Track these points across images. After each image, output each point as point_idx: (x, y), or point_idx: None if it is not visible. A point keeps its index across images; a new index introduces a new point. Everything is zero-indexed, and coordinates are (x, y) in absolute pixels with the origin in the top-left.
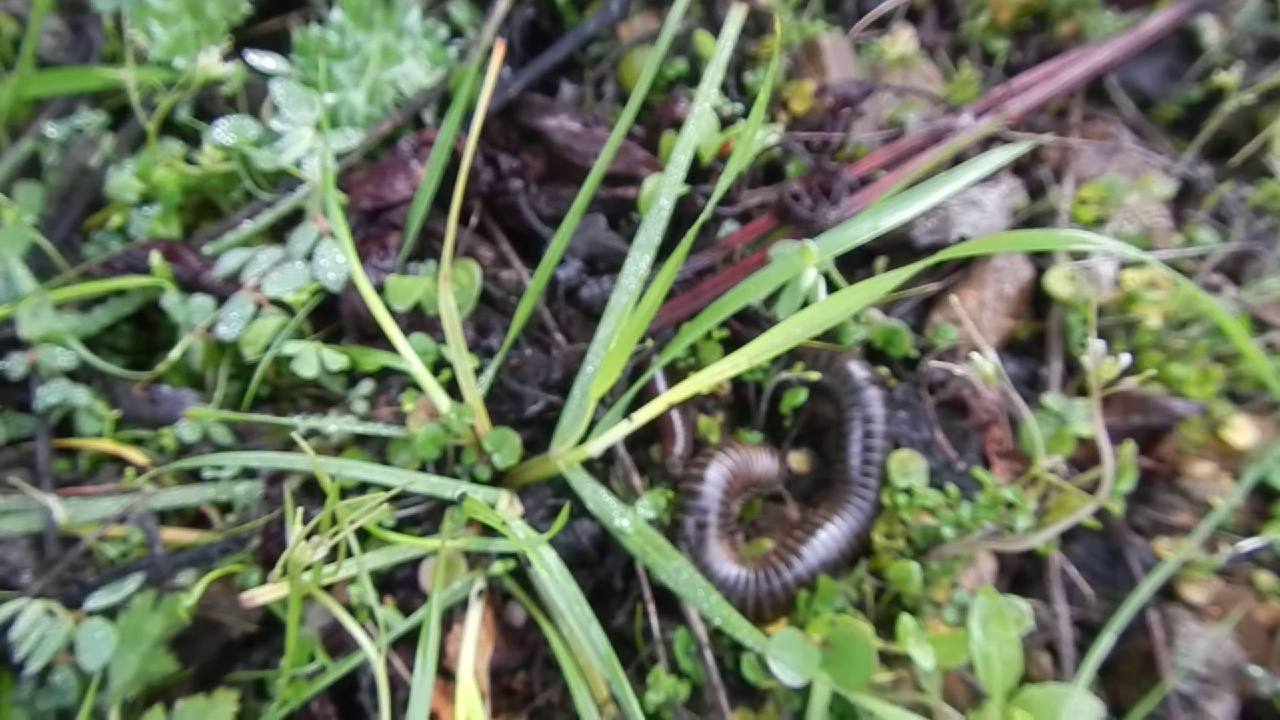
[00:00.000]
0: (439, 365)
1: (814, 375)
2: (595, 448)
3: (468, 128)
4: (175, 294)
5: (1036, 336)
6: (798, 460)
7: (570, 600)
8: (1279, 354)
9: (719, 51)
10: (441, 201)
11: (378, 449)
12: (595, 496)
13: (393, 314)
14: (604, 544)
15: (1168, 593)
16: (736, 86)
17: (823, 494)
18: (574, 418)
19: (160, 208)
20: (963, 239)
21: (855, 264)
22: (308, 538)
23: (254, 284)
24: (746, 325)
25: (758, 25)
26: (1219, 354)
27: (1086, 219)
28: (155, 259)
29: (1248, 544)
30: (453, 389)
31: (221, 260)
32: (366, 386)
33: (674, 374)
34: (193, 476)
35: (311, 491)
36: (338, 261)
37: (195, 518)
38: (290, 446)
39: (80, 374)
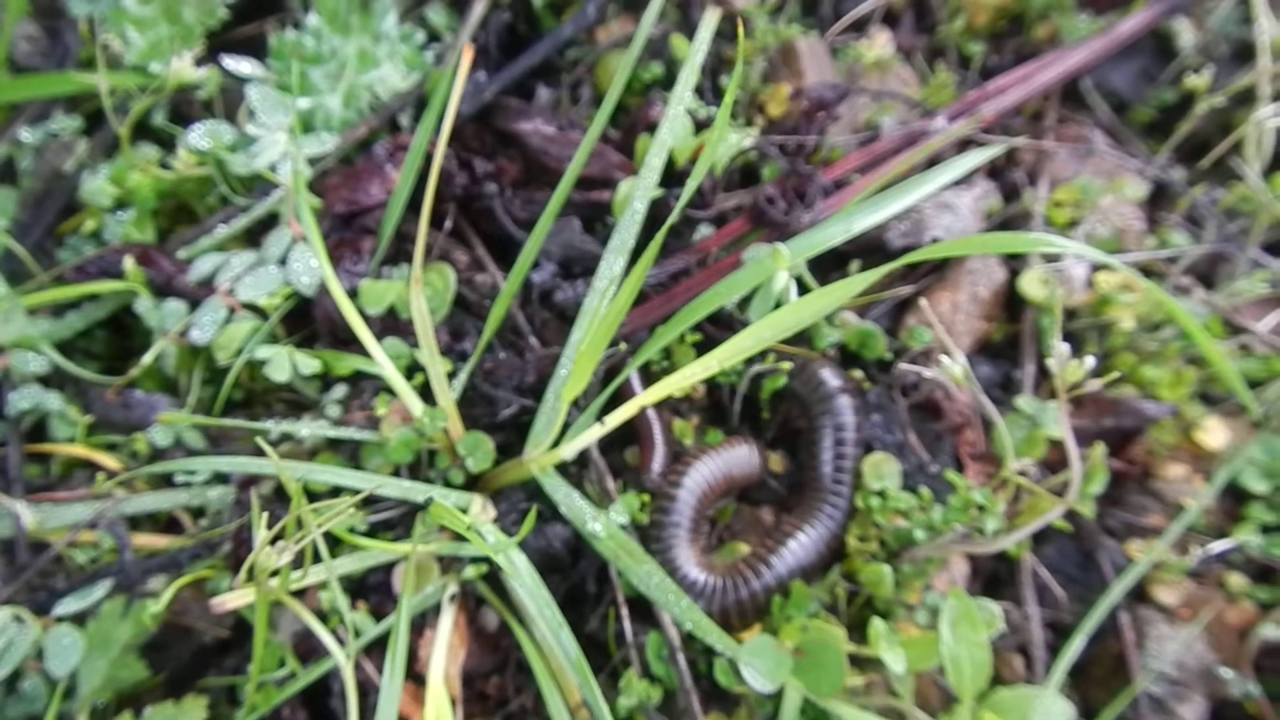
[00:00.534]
0: (412, 369)
1: (786, 365)
2: (568, 451)
3: (443, 129)
4: (148, 299)
5: (1010, 338)
6: (774, 461)
7: (541, 605)
8: (1252, 355)
9: (693, 55)
10: (417, 206)
11: (351, 453)
12: (568, 500)
13: (366, 318)
14: (577, 548)
15: (1139, 594)
16: (712, 90)
17: (796, 499)
18: (547, 421)
19: (135, 212)
20: (936, 242)
21: (829, 267)
22: (273, 542)
23: (227, 288)
24: (720, 328)
25: (733, 29)
26: (1192, 356)
27: (1060, 222)
28: (129, 264)
29: (1218, 545)
30: (426, 393)
31: (195, 265)
32: (340, 391)
33: (648, 377)
34: (165, 481)
35: (284, 496)
36: (311, 266)
37: (168, 523)
38: (263, 451)
39: (53, 379)
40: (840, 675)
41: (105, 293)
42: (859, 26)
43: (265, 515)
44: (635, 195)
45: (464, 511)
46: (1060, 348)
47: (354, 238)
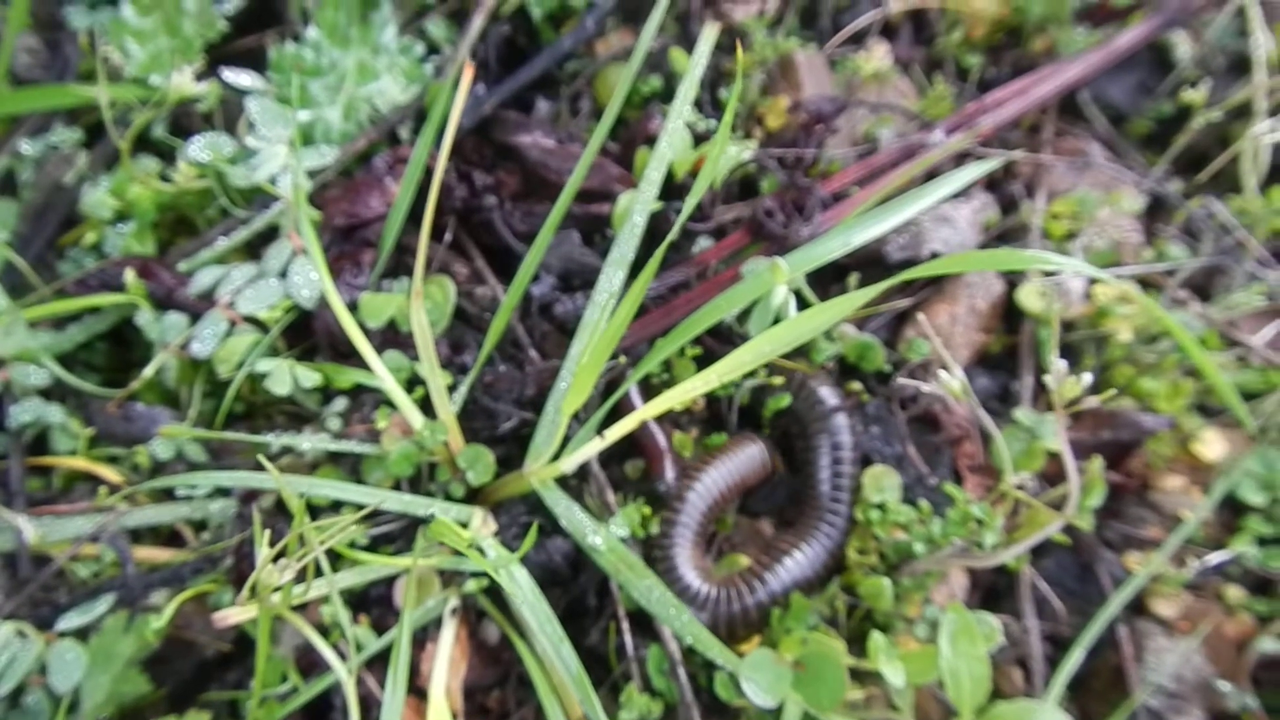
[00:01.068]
0: (413, 382)
1: (779, 379)
2: (568, 464)
3: (443, 143)
4: (149, 311)
5: (1009, 350)
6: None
7: (542, 619)
8: (1250, 367)
9: (692, 68)
10: (417, 218)
11: (352, 466)
12: (569, 514)
13: (366, 331)
14: (577, 561)
15: (1137, 607)
16: (711, 103)
17: (795, 514)
18: (547, 434)
19: (135, 225)
20: (934, 255)
21: (828, 279)
22: (276, 559)
23: (228, 301)
24: (720, 341)
25: (733, 42)
26: (1189, 368)
27: (1058, 234)
28: (129, 276)
29: (1215, 557)
30: (427, 406)
31: (196, 277)
32: (340, 404)
33: (648, 390)
34: (167, 495)
35: (286, 509)
36: (311, 279)
37: (169, 536)
38: (264, 465)
39: (54, 392)
40: (840, 689)
41: (106, 305)
42: (857, 39)
43: (268, 533)
44: (634, 208)
45: (464, 525)
46: (1058, 364)
47: (354, 250)
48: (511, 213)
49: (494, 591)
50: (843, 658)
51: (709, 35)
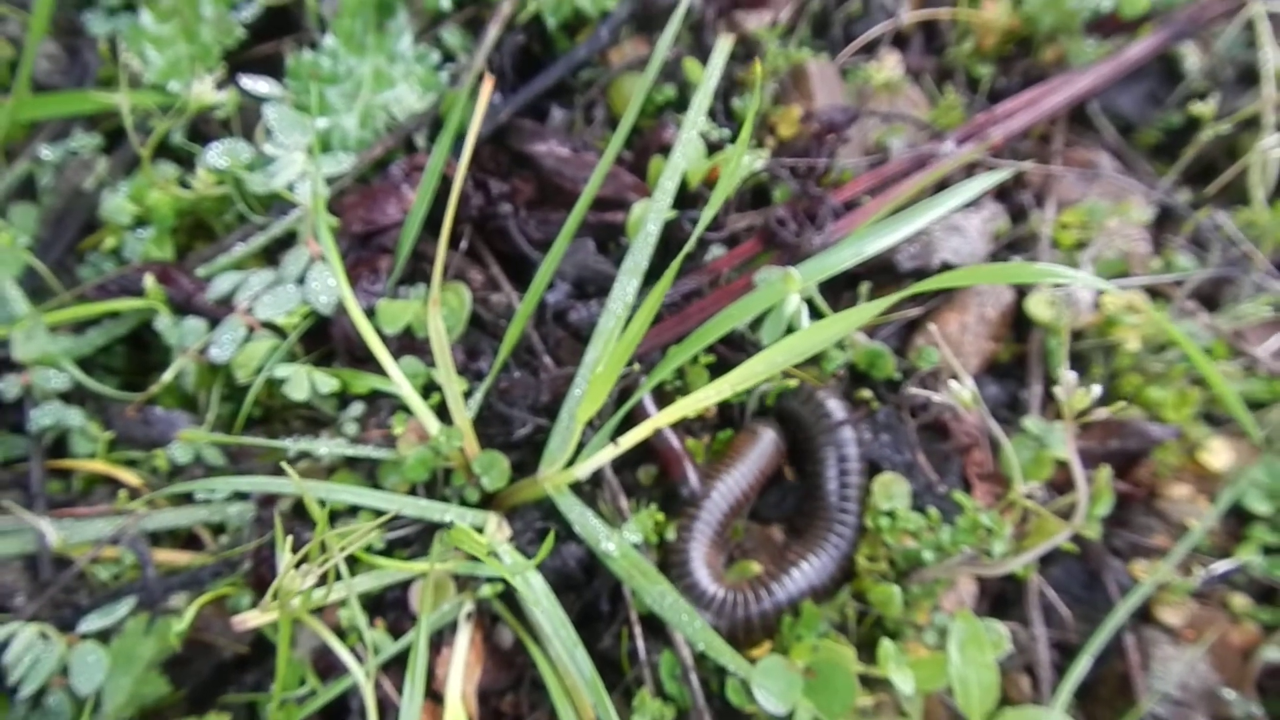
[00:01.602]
0: (429, 388)
1: (794, 383)
2: (583, 470)
3: (459, 152)
4: (168, 316)
5: (1018, 359)
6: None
7: (556, 624)
8: (1257, 377)
9: (707, 79)
10: (432, 225)
11: (368, 471)
12: (582, 519)
13: (383, 337)
14: (591, 567)
15: (1144, 615)
16: (724, 112)
17: (803, 523)
18: (561, 441)
19: (154, 230)
20: (945, 264)
21: (840, 288)
22: (297, 566)
23: (246, 307)
24: (733, 349)
25: (746, 51)
26: (1196, 377)
27: (1067, 243)
28: (149, 281)
29: (1221, 566)
30: (442, 412)
31: (214, 283)
32: (357, 409)
33: (661, 397)
34: (185, 498)
35: (303, 513)
36: (329, 285)
37: (188, 539)
38: (282, 468)
39: (74, 395)
40: (850, 696)
41: (126, 310)
42: (869, 49)
43: (289, 538)
44: (649, 217)
45: (479, 530)
46: (1067, 376)
47: (371, 257)
48: (527, 221)
49: (508, 596)
50: (853, 664)
51: (724, 47)
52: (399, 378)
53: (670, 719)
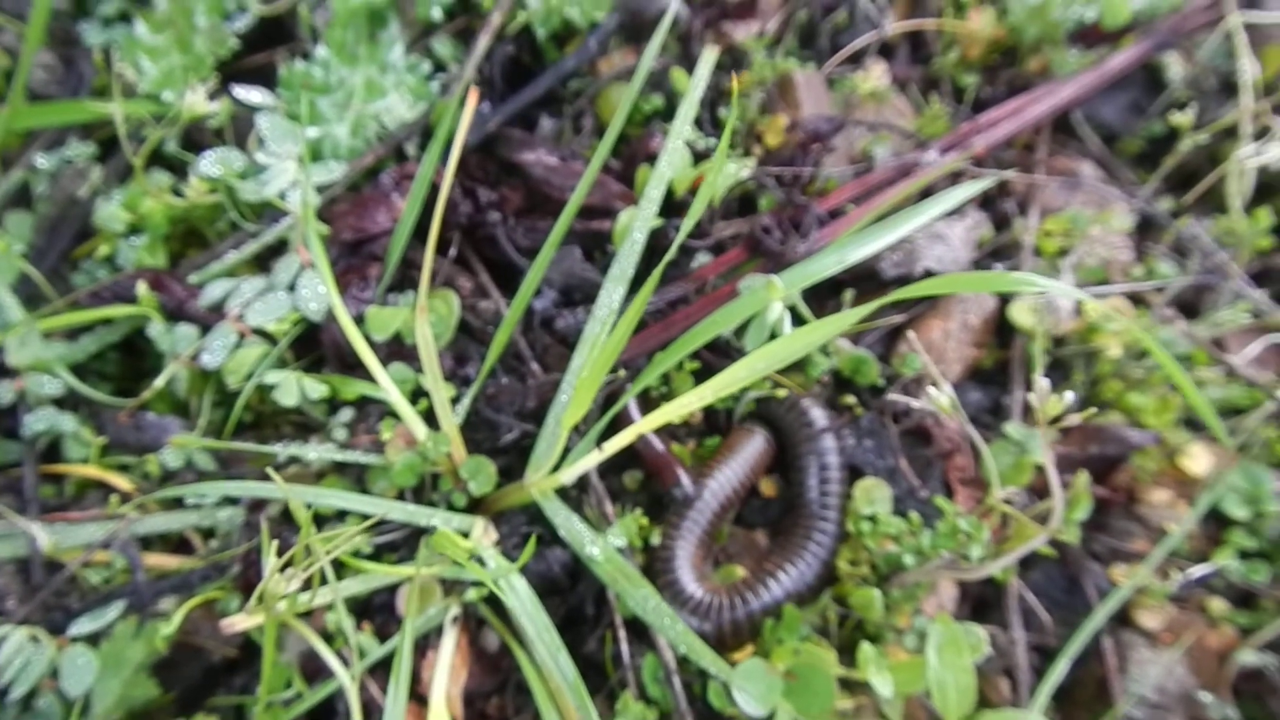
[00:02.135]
0: (417, 394)
1: (782, 392)
2: (568, 476)
3: (449, 161)
4: (161, 323)
5: (1001, 365)
6: (766, 485)
7: (540, 628)
8: (1237, 383)
9: (692, 88)
10: (422, 233)
11: (357, 476)
12: (568, 524)
13: (372, 344)
14: (576, 571)
15: (1122, 619)
16: (711, 121)
17: (785, 528)
18: (547, 446)
19: (147, 238)
20: (928, 271)
21: (824, 295)
22: (283, 568)
23: (237, 313)
24: (718, 355)
25: (734, 61)
26: (1177, 384)
27: (1050, 251)
28: (141, 288)
29: (1199, 570)
30: (430, 417)
31: (206, 290)
32: (346, 414)
33: (647, 403)
34: (176, 503)
35: (292, 518)
36: (319, 292)
37: (179, 543)
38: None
39: (67, 401)
40: (830, 698)
41: (118, 317)
42: (855, 59)
43: (275, 542)
44: (635, 225)
45: (466, 535)
46: (1041, 382)
47: (361, 264)
48: (515, 228)
49: (494, 600)
50: (833, 668)
51: (709, 57)
52: (387, 384)
53: None
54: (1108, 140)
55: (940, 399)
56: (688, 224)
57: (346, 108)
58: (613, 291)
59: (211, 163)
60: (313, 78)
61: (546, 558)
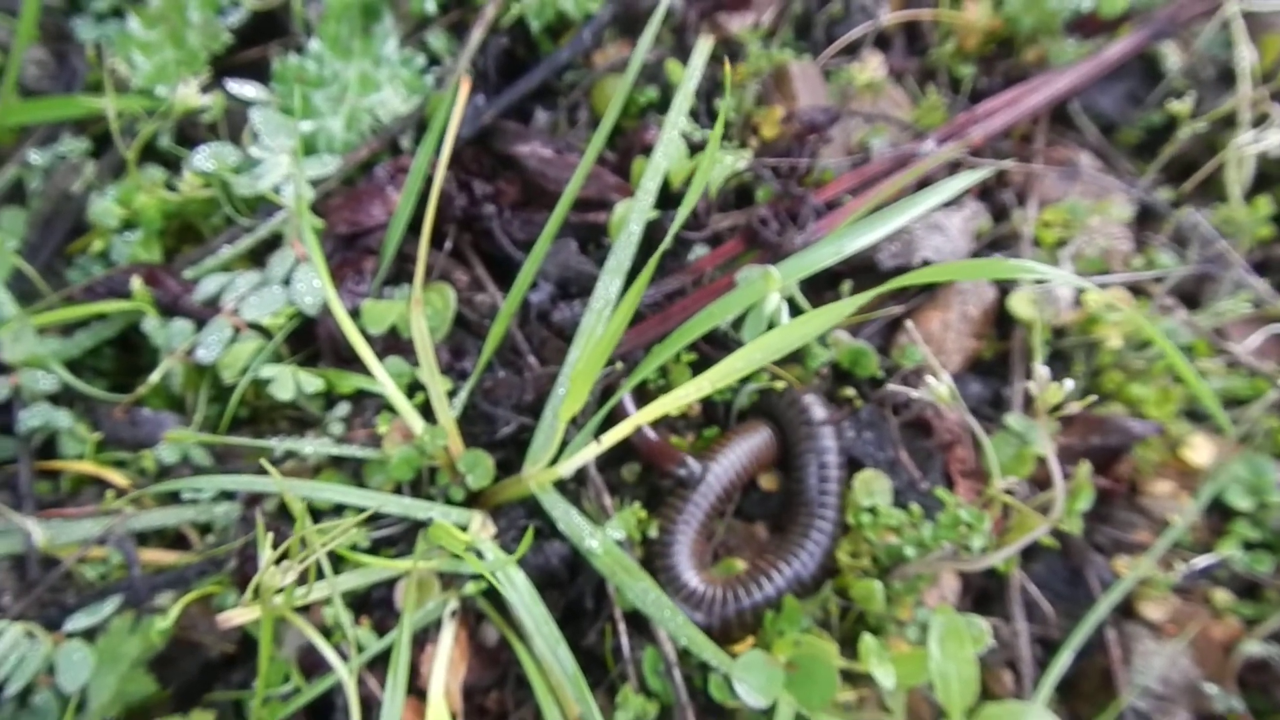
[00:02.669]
0: (414, 388)
1: (779, 385)
2: (566, 469)
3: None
4: (155, 318)
5: (1001, 356)
6: (766, 480)
7: (539, 621)
8: (1239, 373)
9: (687, 79)
10: (417, 227)
11: (354, 470)
12: (566, 517)
13: (368, 337)
14: (575, 564)
15: (1126, 610)
16: (707, 113)
17: (785, 521)
18: (545, 439)
19: (141, 233)
20: (926, 262)
21: (822, 286)
22: (278, 562)
23: (232, 308)
24: (715, 347)
25: (730, 53)
26: (1178, 374)
27: (1049, 241)
28: (136, 283)
29: (1202, 560)
30: (427, 411)
31: (201, 284)
32: (343, 409)
33: (645, 395)
34: (172, 498)
35: (289, 513)
36: (314, 286)
37: (175, 538)
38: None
39: (62, 397)
40: (831, 689)
41: (113, 312)
42: (851, 50)
43: (270, 535)
44: (631, 217)
45: (464, 528)
46: (1040, 371)
47: (356, 258)
48: (510, 221)
49: (493, 594)
50: (834, 659)
51: (704, 48)
52: (384, 378)
53: (653, 715)
54: (1106, 130)
55: (940, 390)
56: (682, 213)
57: (341, 101)
58: (609, 284)
59: (205, 157)
60: (307, 71)
61: (545, 551)
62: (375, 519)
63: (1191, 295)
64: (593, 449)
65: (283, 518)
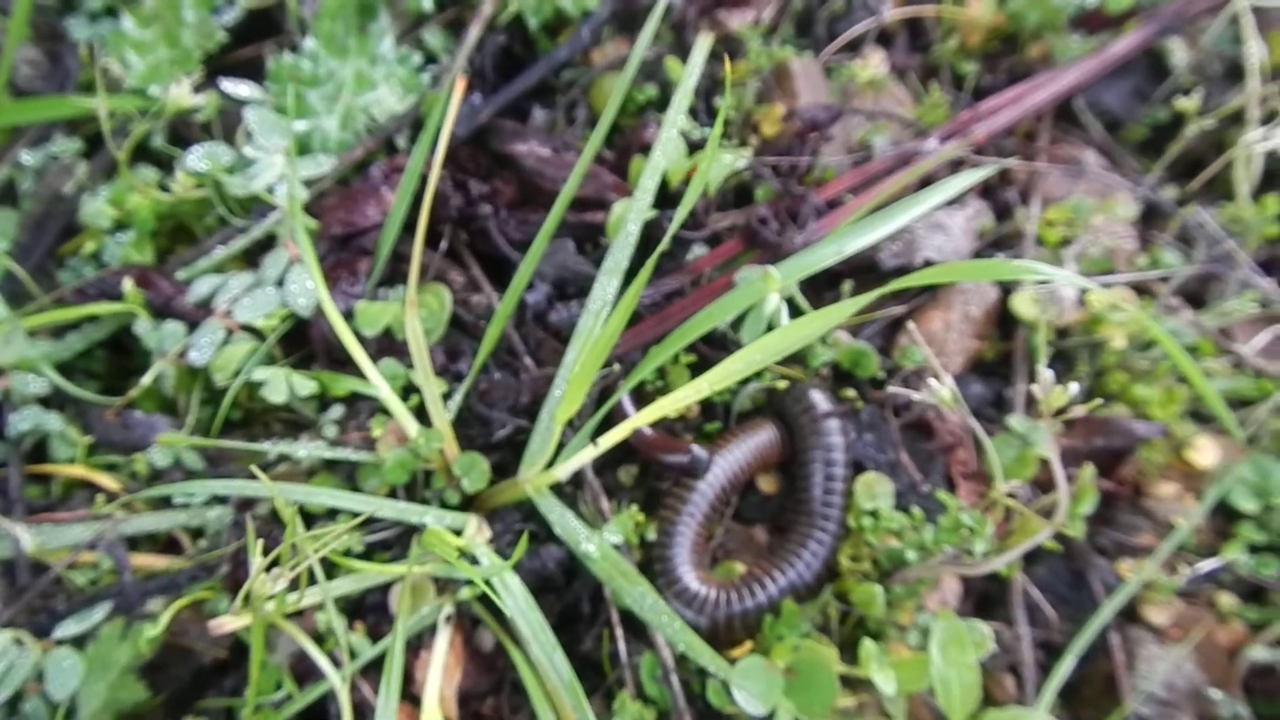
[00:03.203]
0: (408, 390)
1: (783, 384)
2: (563, 471)
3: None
4: (147, 320)
5: (1003, 357)
6: (766, 481)
7: (535, 627)
8: (1245, 374)
9: (687, 77)
10: (412, 227)
11: (348, 473)
12: (563, 521)
13: (362, 339)
14: (572, 568)
15: (1130, 614)
16: (706, 111)
17: (788, 520)
18: (541, 442)
19: (134, 234)
20: (928, 262)
21: (822, 286)
22: (270, 568)
23: (225, 310)
24: (714, 348)
25: (729, 49)
26: (1182, 375)
27: (1052, 241)
28: (128, 285)
29: (1207, 564)
30: (422, 414)
31: (193, 286)
32: (336, 411)
33: (643, 397)
34: (164, 502)
35: (282, 516)
36: (307, 287)
37: (167, 543)
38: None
39: (53, 400)
40: (831, 696)
41: (105, 314)
42: (853, 47)
43: (261, 542)
44: (629, 217)
45: (459, 532)
46: (1044, 373)
47: (350, 259)
48: (507, 221)
49: (488, 599)
50: (834, 665)
51: (703, 45)
52: (378, 380)
53: None
54: (1111, 127)
55: (942, 391)
56: (681, 212)
57: (336, 100)
58: (607, 284)
59: (199, 157)
60: (301, 70)
61: (541, 555)
62: (369, 523)
63: (1197, 295)
64: (590, 452)
65: (277, 521)
